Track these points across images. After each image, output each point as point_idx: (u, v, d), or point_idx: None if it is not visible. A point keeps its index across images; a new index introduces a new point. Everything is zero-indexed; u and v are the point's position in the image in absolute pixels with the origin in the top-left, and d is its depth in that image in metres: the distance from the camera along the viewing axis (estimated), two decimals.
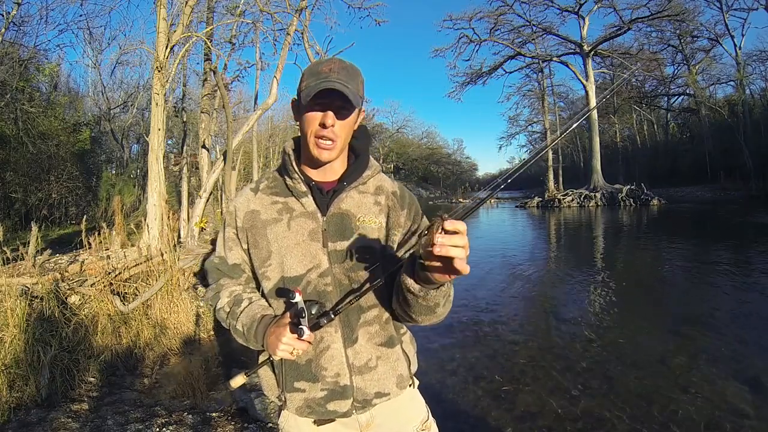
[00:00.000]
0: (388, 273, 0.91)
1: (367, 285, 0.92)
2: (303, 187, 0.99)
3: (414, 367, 1.08)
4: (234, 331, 1.01)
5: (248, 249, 1.02)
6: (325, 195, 1.00)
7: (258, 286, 1.06)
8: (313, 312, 0.87)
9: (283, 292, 0.98)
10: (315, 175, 1.01)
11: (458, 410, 2.90)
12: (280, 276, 0.98)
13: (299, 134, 1.02)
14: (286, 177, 1.02)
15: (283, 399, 1.01)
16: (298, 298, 0.85)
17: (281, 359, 0.96)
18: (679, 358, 3.56)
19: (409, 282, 0.80)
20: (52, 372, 2.91)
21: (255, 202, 1.03)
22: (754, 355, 3.57)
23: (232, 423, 2.59)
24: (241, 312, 0.99)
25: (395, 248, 1.00)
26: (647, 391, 3.01)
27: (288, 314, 0.91)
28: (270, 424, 2.54)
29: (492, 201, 29.35)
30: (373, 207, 1.01)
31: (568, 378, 3.27)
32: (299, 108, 0.96)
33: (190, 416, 2.63)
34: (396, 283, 0.90)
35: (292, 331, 0.87)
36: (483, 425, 2.71)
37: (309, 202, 0.99)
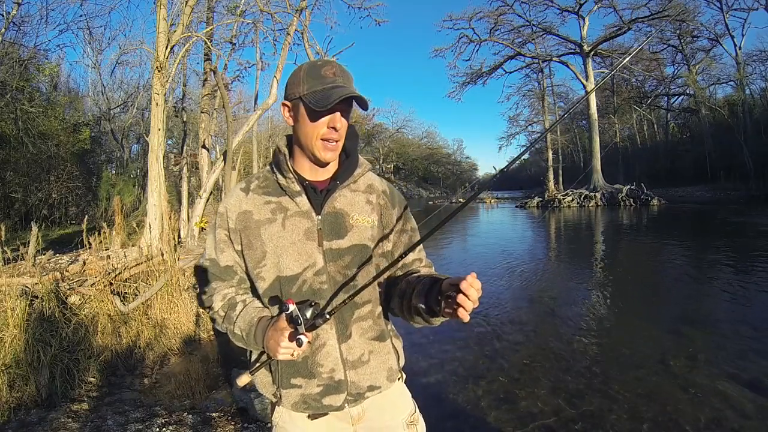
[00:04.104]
0: (381, 272, 0.93)
1: (361, 284, 0.93)
2: (297, 187, 1.00)
3: (402, 361, 1.11)
4: (232, 335, 1.01)
5: (242, 250, 1.02)
6: (318, 194, 1.01)
7: (252, 287, 1.06)
8: (308, 316, 0.88)
9: (274, 301, 0.99)
10: (308, 174, 1.02)
11: (458, 410, 2.90)
12: (276, 276, 0.99)
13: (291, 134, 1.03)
14: (279, 176, 1.01)
15: (279, 395, 1.02)
16: (291, 308, 0.86)
17: None
18: (679, 358, 3.55)
19: (431, 319, 0.91)
20: (52, 372, 2.91)
21: (247, 202, 1.02)
22: (754, 354, 3.57)
23: (232, 423, 2.58)
24: (237, 316, 0.99)
25: (388, 246, 1.05)
26: (647, 391, 3.01)
27: (284, 316, 0.92)
28: (269, 424, 2.54)
29: (492, 201, 29.44)
30: (365, 206, 1.03)
31: (568, 378, 3.26)
32: (301, 110, 0.95)
33: (190, 416, 2.63)
34: (407, 305, 0.97)
35: (291, 339, 0.87)
36: (483, 425, 2.70)
37: (303, 201, 1.00)
